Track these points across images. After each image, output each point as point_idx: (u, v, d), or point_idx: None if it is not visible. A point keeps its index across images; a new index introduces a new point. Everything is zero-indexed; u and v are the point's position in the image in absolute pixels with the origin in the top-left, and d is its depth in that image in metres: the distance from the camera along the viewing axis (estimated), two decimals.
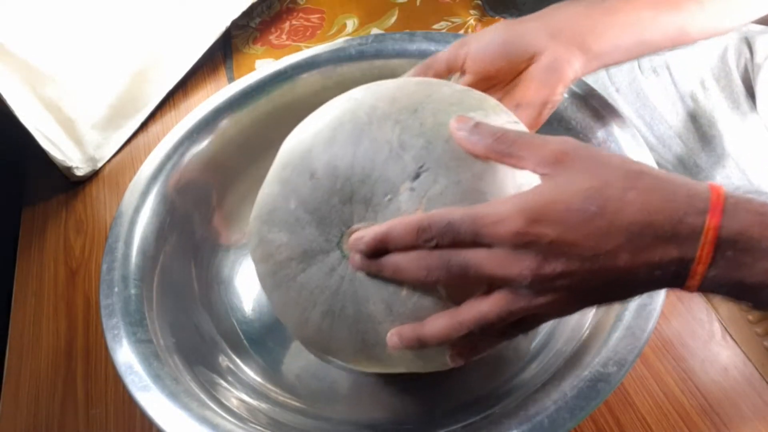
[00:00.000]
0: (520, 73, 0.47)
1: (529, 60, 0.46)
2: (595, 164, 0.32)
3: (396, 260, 0.35)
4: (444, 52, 0.49)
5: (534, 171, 0.34)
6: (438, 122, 0.38)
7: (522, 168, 0.34)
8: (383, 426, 0.49)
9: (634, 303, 0.41)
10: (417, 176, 0.37)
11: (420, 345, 0.36)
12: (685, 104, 0.65)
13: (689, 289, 0.31)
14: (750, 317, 0.60)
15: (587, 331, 0.43)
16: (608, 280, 0.31)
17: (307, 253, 0.40)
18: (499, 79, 0.48)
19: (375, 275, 0.37)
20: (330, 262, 0.40)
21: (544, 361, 0.46)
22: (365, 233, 0.36)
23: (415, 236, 0.34)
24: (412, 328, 0.37)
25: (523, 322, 0.35)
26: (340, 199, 0.39)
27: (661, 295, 0.41)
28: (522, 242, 0.31)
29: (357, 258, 0.37)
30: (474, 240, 0.32)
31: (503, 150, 0.34)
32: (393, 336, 0.37)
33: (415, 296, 0.37)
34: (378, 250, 0.36)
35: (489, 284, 0.34)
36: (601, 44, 0.46)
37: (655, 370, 0.50)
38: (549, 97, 0.46)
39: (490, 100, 0.41)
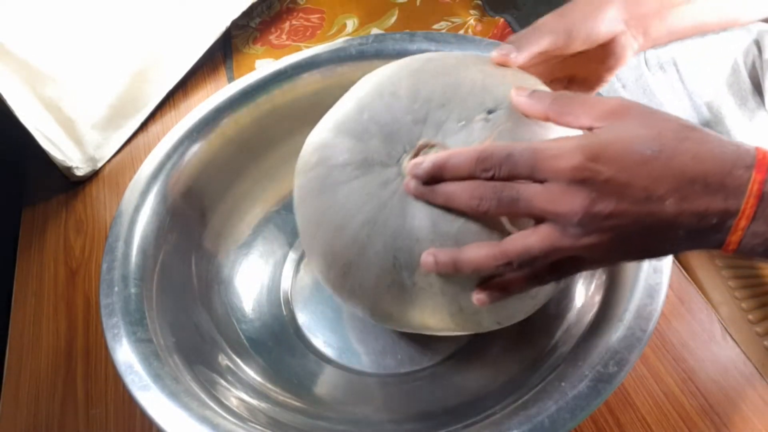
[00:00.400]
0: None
1: (601, 42, 0.46)
2: (650, 117, 0.33)
3: (450, 188, 0.36)
4: (548, 34, 0.43)
5: (591, 126, 0.35)
6: (518, 80, 0.41)
7: (579, 126, 0.35)
8: (383, 426, 0.49)
9: (635, 303, 0.41)
10: (493, 111, 0.39)
11: (454, 270, 0.37)
12: (692, 101, 0.65)
13: (728, 248, 0.32)
14: (750, 317, 0.60)
15: (587, 331, 0.43)
16: (654, 227, 0.32)
17: (367, 161, 0.41)
18: (561, 53, 0.47)
19: (427, 202, 0.38)
20: (386, 176, 0.40)
21: (544, 361, 0.46)
22: (425, 158, 0.37)
23: (474, 165, 0.35)
24: (450, 251, 0.37)
25: (561, 267, 0.36)
26: (414, 118, 0.40)
27: (661, 296, 0.41)
28: (578, 177, 0.32)
29: (412, 183, 0.38)
30: (531, 174, 0.33)
31: (561, 110, 0.36)
32: (428, 255, 0.38)
33: (462, 219, 0.37)
34: (434, 177, 0.37)
35: (538, 220, 0.34)
36: (661, 29, 0.46)
37: (655, 370, 0.50)
38: (605, 78, 0.47)
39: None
